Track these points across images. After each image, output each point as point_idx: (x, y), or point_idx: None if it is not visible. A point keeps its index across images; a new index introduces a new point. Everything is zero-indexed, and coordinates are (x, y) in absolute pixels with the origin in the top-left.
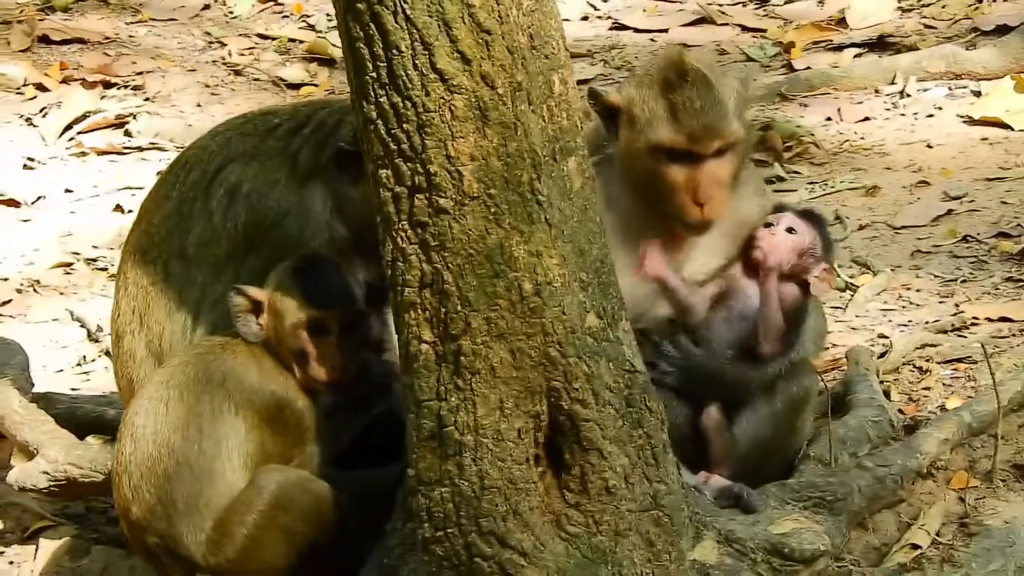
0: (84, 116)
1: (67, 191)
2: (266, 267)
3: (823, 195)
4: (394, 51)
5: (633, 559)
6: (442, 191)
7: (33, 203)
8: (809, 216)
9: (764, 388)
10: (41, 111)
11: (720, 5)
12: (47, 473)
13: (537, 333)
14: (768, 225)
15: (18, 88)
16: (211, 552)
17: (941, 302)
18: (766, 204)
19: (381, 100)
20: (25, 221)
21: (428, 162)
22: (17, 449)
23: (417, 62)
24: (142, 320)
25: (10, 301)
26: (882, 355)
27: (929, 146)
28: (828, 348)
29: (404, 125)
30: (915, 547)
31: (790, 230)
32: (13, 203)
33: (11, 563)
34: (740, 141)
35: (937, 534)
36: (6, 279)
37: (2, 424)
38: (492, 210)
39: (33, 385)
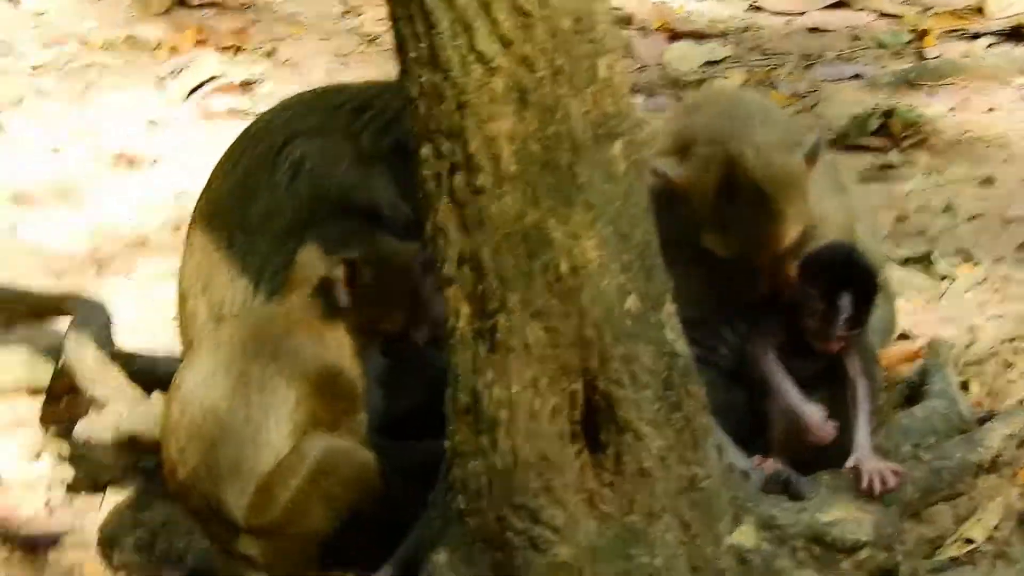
0: (211, 79)
1: (186, 152)
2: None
3: (936, 185)
4: (434, 31)
5: (667, 540)
6: (481, 170)
7: (152, 163)
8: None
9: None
10: (171, 73)
11: None
12: (111, 428)
13: (573, 313)
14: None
15: (152, 50)
16: (253, 515)
17: None
18: (847, 201)
19: (422, 79)
20: (143, 180)
21: (467, 142)
22: (91, 404)
23: (457, 43)
24: (205, 285)
25: (115, 259)
26: (969, 346)
27: None
28: (914, 339)
29: (444, 104)
30: (969, 541)
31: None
32: (133, 162)
33: (76, 514)
34: (801, 233)
35: (995, 529)
36: (115, 236)
37: (76, 378)
38: (530, 191)
39: (113, 343)
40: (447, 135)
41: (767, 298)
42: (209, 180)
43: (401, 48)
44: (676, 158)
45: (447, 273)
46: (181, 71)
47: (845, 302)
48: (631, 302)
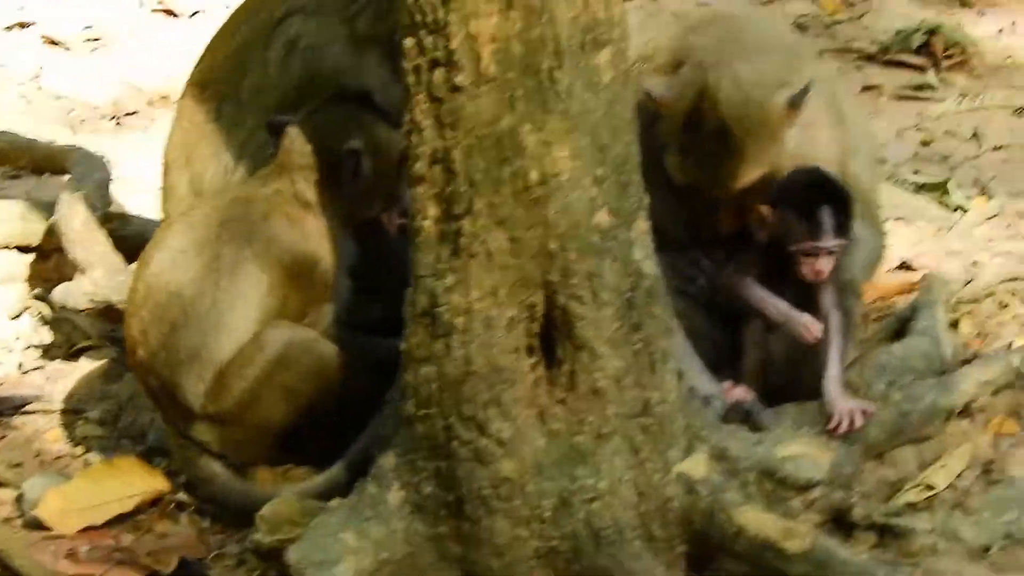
0: None
1: (229, 7)
2: None
3: (969, 110)
4: None
5: (613, 463)
6: (460, 68)
7: (191, 16)
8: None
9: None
10: None
11: None
12: (88, 294)
13: (539, 224)
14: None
15: None
16: (209, 401)
17: None
18: (841, 135)
19: None
20: (178, 33)
21: (450, 37)
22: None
23: None
24: (188, 157)
25: (136, 112)
26: (967, 283)
27: None
28: (916, 270)
29: None
30: (930, 487)
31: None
32: (171, 13)
33: (48, 378)
34: (761, 176)
35: (958, 477)
36: (141, 89)
37: (63, 239)
38: (507, 94)
39: (110, 203)
40: (431, 29)
41: (731, 233)
42: (206, 48)
43: None
44: (666, 78)
45: (418, 171)
46: None
47: (826, 213)
48: (600, 217)
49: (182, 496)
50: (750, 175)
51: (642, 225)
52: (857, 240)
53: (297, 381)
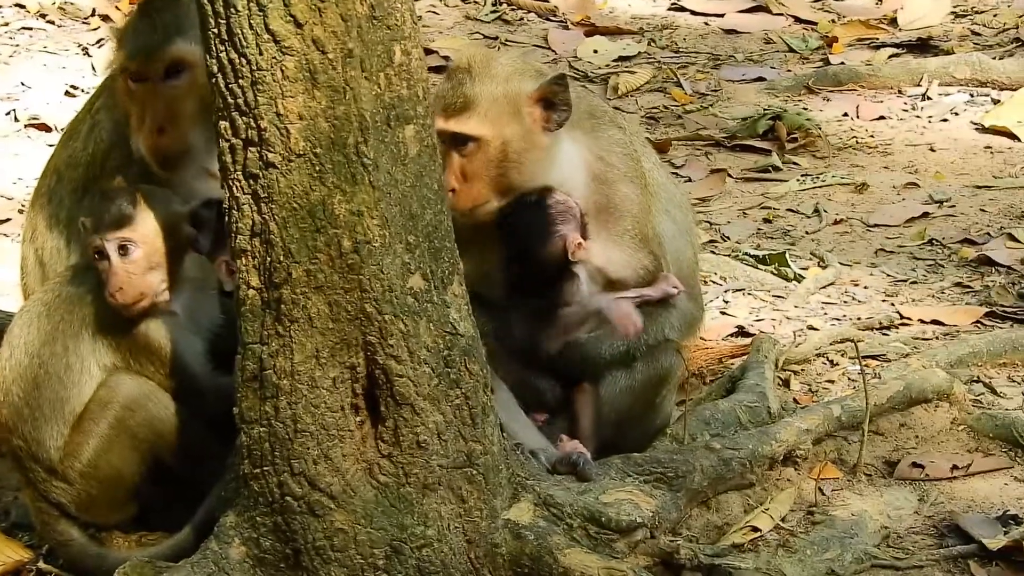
0: None
1: None
2: None
3: (812, 188)
4: (232, 9)
5: (440, 512)
6: (271, 146)
7: (63, 129)
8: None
9: (620, 365)
10: (98, 42)
11: None
12: None
13: (354, 289)
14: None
15: (84, 18)
16: (68, 455)
17: (883, 301)
18: (641, 195)
19: (221, 55)
20: (51, 146)
21: (260, 118)
22: None
23: (252, 22)
24: (34, 232)
25: (9, 220)
26: (797, 345)
27: (932, 150)
28: (752, 336)
29: (240, 81)
30: (755, 529)
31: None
32: (44, 127)
33: None
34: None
35: (783, 520)
36: (11, 198)
37: None
38: (317, 168)
39: None
40: (242, 111)
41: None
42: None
43: (203, 26)
44: None
45: (240, 244)
46: (108, 41)
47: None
48: (415, 281)
49: (42, 565)
50: (473, 126)
51: (457, 288)
52: (673, 304)
53: (141, 427)
